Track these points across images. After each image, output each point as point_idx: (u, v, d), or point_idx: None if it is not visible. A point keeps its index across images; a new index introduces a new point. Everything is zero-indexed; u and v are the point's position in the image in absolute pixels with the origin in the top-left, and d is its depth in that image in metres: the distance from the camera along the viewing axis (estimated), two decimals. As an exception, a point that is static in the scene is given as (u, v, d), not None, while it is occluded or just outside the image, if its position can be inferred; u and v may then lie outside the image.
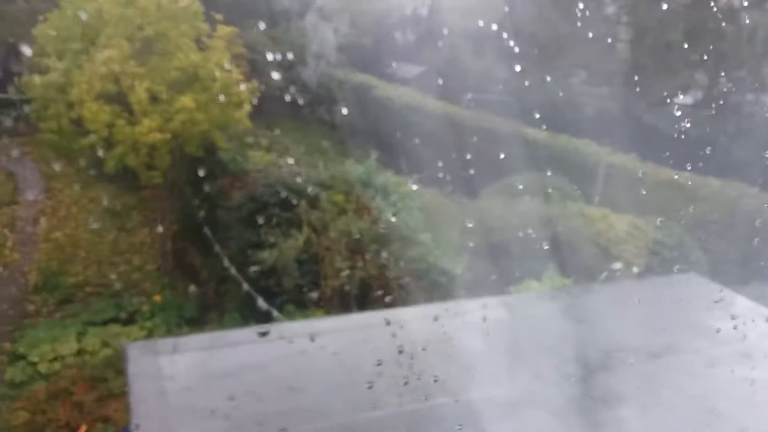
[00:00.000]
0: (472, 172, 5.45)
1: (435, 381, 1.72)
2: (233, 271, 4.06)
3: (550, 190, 5.52)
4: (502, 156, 6.20)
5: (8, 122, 7.09)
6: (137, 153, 4.63)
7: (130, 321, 4.50)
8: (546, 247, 4.63)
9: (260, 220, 4.33)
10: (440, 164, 5.55)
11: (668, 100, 7.60)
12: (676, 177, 5.85)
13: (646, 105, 7.55)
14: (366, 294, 3.93)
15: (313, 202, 4.31)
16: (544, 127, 6.88)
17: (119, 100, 4.77)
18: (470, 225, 4.86)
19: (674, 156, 5.96)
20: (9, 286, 5.12)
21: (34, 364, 4.07)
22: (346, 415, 1.61)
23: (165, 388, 1.56)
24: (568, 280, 4.09)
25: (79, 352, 4.13)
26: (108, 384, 3.64)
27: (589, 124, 7.18)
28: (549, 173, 5.88)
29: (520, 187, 5.60)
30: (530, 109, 7.11)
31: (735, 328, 2.15)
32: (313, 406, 1.62)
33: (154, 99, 4.72)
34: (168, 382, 1.58)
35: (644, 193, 5.86)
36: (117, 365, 3.28)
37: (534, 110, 6.99)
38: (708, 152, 6.44)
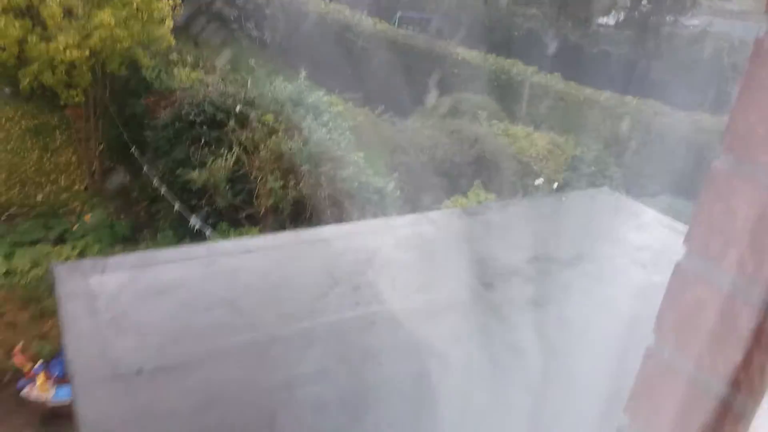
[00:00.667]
0: (404, 92, 5.47)
1: (363, 291, 1.84)
2: (163, 190, 4.02)
3: (478, 110, 5.64)
4: (432, 76, 6.23)
5: None
6: (54, 71, 4.37)
7: (60, 241, 4.40)
8: (473, 165, 4.80)
9: (188, 140, 4.25)
10: (372, 84, 5.53)
11: (592, 20, 7.73)
12: (596, 95, 6.06)
13: (572, 25, 7.65)
14: (299, 213, 4.00)
15: (243, 122, 4.25)
16: (475, 47, 6.91)
17: (30, 14, 4.44)
18: (401, 144, 4.94)
19: (596, 76, 6.16)
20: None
21: (-41, 287, 3.98)
22: (277, 326, 1.71)
23: (96, 307, 1.61)
24: (492, 195, 4.29)
25: (7, 273, 4.05)
26: (41, 303, 3.61)
27: (516, 43, 7.26)
28: (477, 93, 5.98)
29: (450, 107, 5.68)
30: (461, 28, 7.08)
31: (642, 237, 2.35)
32: (245, 319, 1.71)
33: (69, 14, 4.42)
34: (99, 301, 1.62)
35: (565, 111, 6.07)
36: (49, 285, 3.27)
37: (464, 30, 6.98)
38: (628, 72, 6.67)
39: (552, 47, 7.09)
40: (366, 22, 7.77)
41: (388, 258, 2.21)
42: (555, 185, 4.56)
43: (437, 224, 2.60)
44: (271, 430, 1.50)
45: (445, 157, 4.73)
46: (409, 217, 3.00)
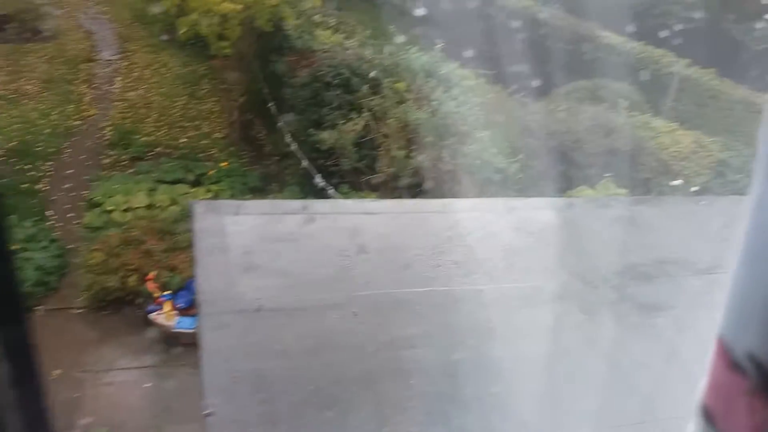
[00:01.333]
0: (540, 72, 5.26)
1: (474, 267, 1.81)
2: (294, 147, 4.18)
3: (618, 99, 5.31)
4: (573, 58, 5.93)
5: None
6: (209, 21, 4.66)
7: (197, 183, 4.73)
8: (605, 156, 4.54)
9: (322, 101, 4.37)
10: (508, 61, 5.36)
11: (759, 15, 6.93)
12: (754, 97, 5.48)
13: (735, 18, 6.93)
14: (418, 183, 4.00)
15: (375, 88, 4.30)
16: (623, 31, 6.47)
17: (193, -33, 4.75)
18: (531, 126, 4.78)
19: (756, 76, 5.56)
20: (86, 139, 5.41)
21: (108, 211, 4.38)
22: (389, 287, 1.73)
23: (227, 244, 1.71)
24: (622, 191, 4.04)
25: (150, 206, 4.41)
26: (175, 237, 3.90)
27: (670, 32, 6.71)
28: (619, 81, 5.62)
29: (588, 92, 5.39)
30: (610, 11, 6.65)
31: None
32: (361, 276, 1.74)
33: (227, -33, 4.68)
34: (230, 239, 1.72)
35: (716, 110, 5.56)
36: (183, 222, 3.52)
37: (614, 13, 6.55)
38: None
39: (710, 40, 6.49)
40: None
41: (503, 238, 2.16)
42: (694, 189, 4.21)
43: (560, 211, 2.49)
44: (374, 383, 1.52)
45: (576, 145, 4.51)
46: (531, 201, 2.90)
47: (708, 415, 0.34)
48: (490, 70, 6.07)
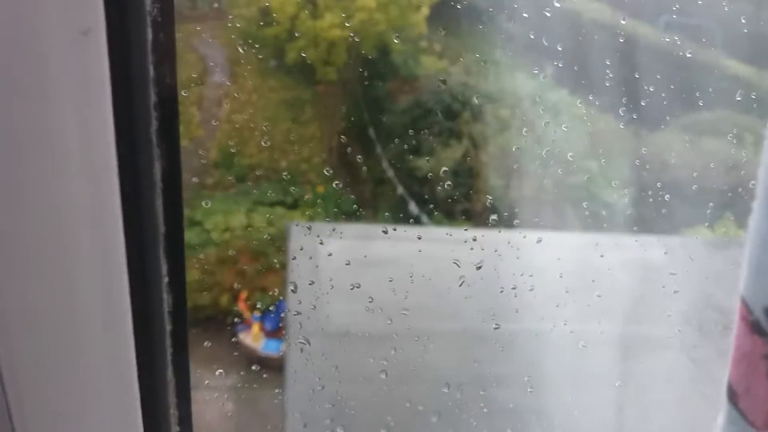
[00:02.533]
0: (657, 103, 4.98)
1: (573, 306, 1.70)
2: (391, 173, 4.19)
3: (744, 133, 4.91)
4: (693, 88, 5.58)
5: (204, 7, 7.70)
6: (317, 47, 4.83)
7: (293, 206, 4.88)
8: (726, 194, 4.19)
9: (422, 128, 4.37)
10: (621, 91, 5.12)
11: None
12: None
13: None
14: (517, 214, 3.87)
15: (477, 114, 4.24)
16: (750, 61, 6.02)
17: (304, -7, 4.96)
18: (644, 158, 4.51)
19: None
20: (193, 159, 5.73)
21: (208, 231, 4.59)
22: (478, 322, 1.65)
23: (320, 266, 1.70)
24: (743, 232, 3.70)
25: (247, 227, 4.59)
26: (268, 258, 4.02)
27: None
28: (744, 113, 5.20)
29: (709, 125, 5.03)
30: (736, 39, 6.22)
31: None
32: (450, 307, 1.68)
33: (336, -5, 4.85)
34: (323, 261, 1.71)
35: None
36: (278, 244, 3.61)
37: (740, 41, 6.11)
38: None
39: None
40: (626, 24, 7.26)
41: (607, 277, 2.02)
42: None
43: (671, 251, 2.31)
44: (454, 419, 1.44)
45: (694, 181, 4.20)
46: (641, 239, 2.72)
47: (731, 393, 0.30)
48: (601, 99, 5.84)
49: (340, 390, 1.46)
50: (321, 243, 1.72)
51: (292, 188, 5.18)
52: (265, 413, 3.09)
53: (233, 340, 3.86)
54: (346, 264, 1.69)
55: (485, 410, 1.47)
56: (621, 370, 1.53)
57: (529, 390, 1.46)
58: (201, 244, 4.55)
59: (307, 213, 4.87)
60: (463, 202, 4.31)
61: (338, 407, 1.46)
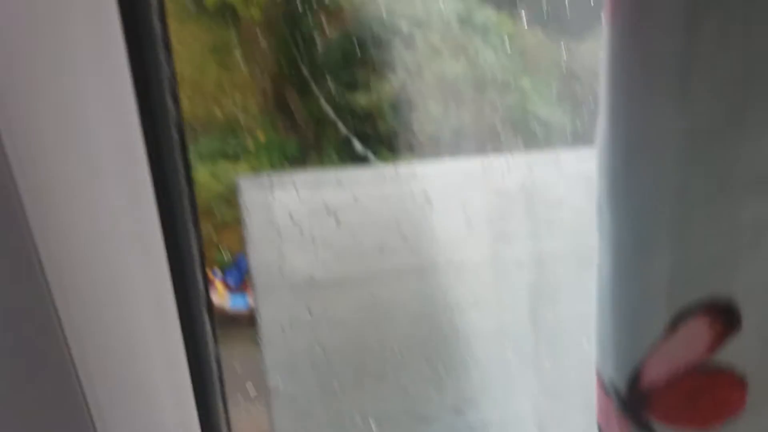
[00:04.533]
0: (580, 11, 5.02)
1: (523, 229, 1.77)
2: (331, 113, 4.12)
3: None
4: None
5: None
6: (235, -12, 4.60)
7: (236, 157, 4.76)
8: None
9: (355, 61, 4.27)
10: (546, 1, 5.12)
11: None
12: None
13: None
14: (459, 142, 3.91)
15: (408, 43, 4.18)
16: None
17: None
18: (574, 71, 4.58)
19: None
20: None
21: (151, 192, 4.46)
22: (437, 254, 1.71)
23: (275, 219, 1.71)
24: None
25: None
26: (220, 215, 3.95)
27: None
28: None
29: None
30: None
31: None
32: (408, 243, 1.73)
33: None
34: (278, 213, 1.72)
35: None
36: (228, 198, 3.55)
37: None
38: None
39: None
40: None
41: (552, 196, 2.10)
42: None
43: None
44: (430, 349, 1.52)
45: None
46: (581, 153, 2.80)
47: (599, 428, 0.43)
48: (527, 13, 5.80)
49: (314, 336, 1.51)
50: (272, 195, 1.73)
51: (231, 139, 5.03)
52: (243, 368, 3.14)
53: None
54: (301, 213, 1.71)
55: (455, 338, 1.55)
56: (578, 282, 1.62)
57: (492, 313, 1.55)
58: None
59: (252, 163, 4.77)
60: (406, 134, 4.30)
61: (315, 355, 1.51)
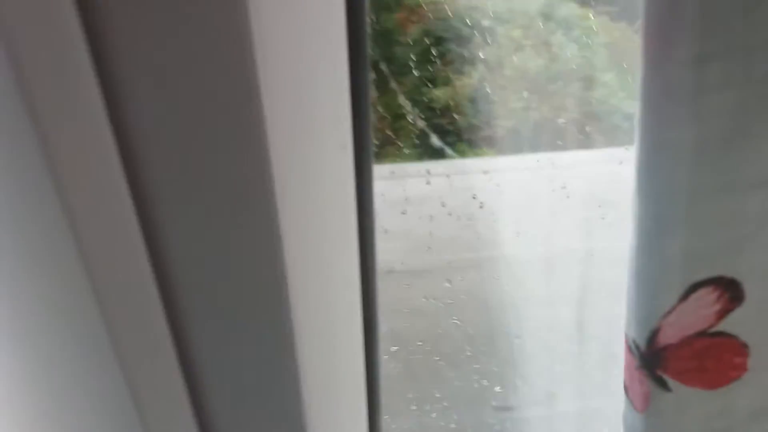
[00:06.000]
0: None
1: (603, 224, 1.73)
2: (408, 107, 4.15)
3: None
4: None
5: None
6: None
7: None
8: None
9: (434, 57, 4.28)
10: (633, -5, 4.92)
11: None
12: None
13: None
14: (538, 136, 3.84)
15: (489, 37, 4.14)
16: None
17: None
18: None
19: None
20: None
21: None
22: (513, 247, 1.71)
23: (354, 209, 1.76)
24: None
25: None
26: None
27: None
28: None
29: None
30: None
31: None
32: (483, 236, 1.73)
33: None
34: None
35: None
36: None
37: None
38: None
39: None
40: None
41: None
42: None
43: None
44: (504, 341, 1.52)
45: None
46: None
47: (625, 387, 0.47)
48: (611, 7, 5.60)
49: (393, 325, 1.55)
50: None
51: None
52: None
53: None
54: (380, 205, 1.74)
55: (529, 329, 1.54)
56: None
57: (568, 306, 1.53)
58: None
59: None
60: (484, 129, 4.27)
61: (392, 340, 1.55)
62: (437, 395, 1.57)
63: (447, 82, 3.70)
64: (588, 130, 3.25)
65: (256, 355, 0.52)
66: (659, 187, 0.43)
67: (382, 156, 4.49)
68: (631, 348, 0.44)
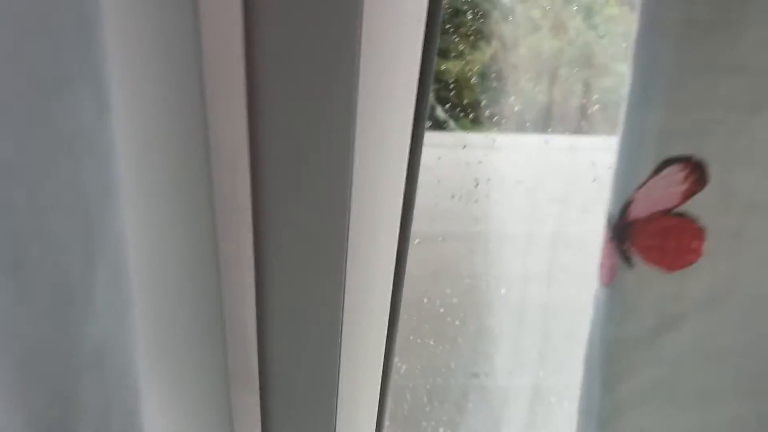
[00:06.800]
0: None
1: (600, 209, 1.74)
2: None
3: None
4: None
5: None
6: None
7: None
8: None
9: (450, 29, 4.22)
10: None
11: None
12: None
13: None
14: (545, 119, 3.82)
15: (507, 14, 4.08)
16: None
17: None
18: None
19: None
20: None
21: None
22: (513, 225, 1.71)
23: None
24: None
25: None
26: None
27: None
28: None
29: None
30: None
31: None
32: (482, 210, 1.74)
33: None
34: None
35: None
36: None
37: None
38: None
39: None
40: None
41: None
42: None
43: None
44: (486, 316, 1.54)
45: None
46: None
47: (600, 265, 0.52)
48: (635, -3, 5.50)
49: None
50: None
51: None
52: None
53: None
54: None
55: (511, 306, 1.56)
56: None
57: (549, 286, 1.54)
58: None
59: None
60: (491, 106, 4.23)
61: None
62: (411, 360, 1.59)
63: (460, 56, 3.65)
64: (592, 116, 3.23)
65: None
66: (647, 61, 0.48)
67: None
68: (608, 223, 0.49)
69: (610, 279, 0.51)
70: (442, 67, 4.18)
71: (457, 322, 1.56)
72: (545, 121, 3.82)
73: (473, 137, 2.63)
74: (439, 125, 3.92)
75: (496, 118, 4.03)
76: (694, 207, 0.49)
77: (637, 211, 0.49)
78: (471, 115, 4.13)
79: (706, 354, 0.51)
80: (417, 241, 1.53)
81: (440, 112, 4.00)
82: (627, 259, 0.50)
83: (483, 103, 4.10)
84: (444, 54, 4.28)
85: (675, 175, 0.48)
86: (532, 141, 2.45)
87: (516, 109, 3.97)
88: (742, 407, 0.52)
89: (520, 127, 3.95)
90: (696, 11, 0.45)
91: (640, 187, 0.48)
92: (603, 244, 0.53)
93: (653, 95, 0.48)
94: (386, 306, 0.73)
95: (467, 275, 1.58)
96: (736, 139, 0.47)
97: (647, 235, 0.49)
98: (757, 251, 0.49)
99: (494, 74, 4.13)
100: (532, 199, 1.61)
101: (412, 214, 0.72)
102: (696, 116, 0.47)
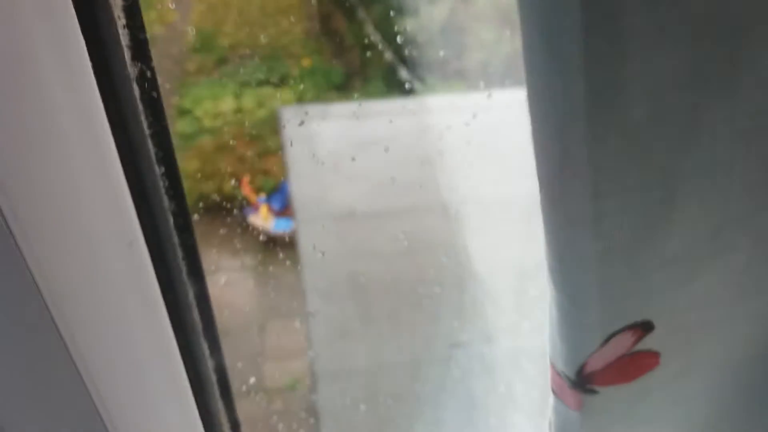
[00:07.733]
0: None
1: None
2: (377, 38, 4.01)
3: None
4: None
5: None
6: None
7: (281, 84, 4.72)
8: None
9: (404, -16, 4.12)
10: None
11: None
12: None
13: None
14: (511, 70, 3.78)
15: (461, -34, 3.98)
16: None
17: None
18: None
19: None
20: (170, 46, 5.49)
21: (199, 118, 4.49)
22: (474, 190, 1.70)
23: (316, 151, 1.72)
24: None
25: (237, 111, 4.48)
26: (265, 142, 4.00)
27: None
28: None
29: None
30: None
31: None
32: (446, 179, 1.72)
33: None
34: (319, 145, 1.73)
35: None
36: (271, 125, 3.58)
37: None
38: None
39: None
40: None
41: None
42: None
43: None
44: (464, 284, 1.54)
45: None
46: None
47: (554, 391, 0.53)
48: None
49: (355, 267, 1.55)
50: (315, 126, 1.73)
51: (277, 65, 4.97)
52: (284, 288, 3.27)
53: (244, 224, 3.95)
54: (342, 145, 1.71)
55: (490, 271, 1.56)
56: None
57: (527, 249, 1.54)
58: (194, 132, 4.45)
59: (296, 89, 4.71)
60: (455, 61, 4.16)
61: (353, 283, 1.55)
62: (394, 333, 1.60)
63: (417, 12, 3.56)
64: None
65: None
66: (570, 274, 0.47)
67: (350, 89, 4.36)
68: (560, 374, 0.51)
69: (580, 406, 0.52)
70: (400, 25, 4.05)
71: (437, 290, 1.56)
72: (512, 74, 3.76)
73: (439, 100, 2.58)
74: (404, 88, 3.83)
75: (461, 73, 3.94)
76: (645, 344, 0.49)
77: (593, 366, 0.49)
78: (435, 72, 4.02)
79: (674, 401, 0.53)
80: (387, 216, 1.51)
81: (403, 73, 3.90)
82: (590, 391, 0.52)
83: (445, 59, 3.99)
84: (400, 11, 4.14)
85: (622, 338, 0.48)
86: (497, 99, 2.40)
87: (481, 62, 3.89)
88: None
89: (488, 82, 3.88)
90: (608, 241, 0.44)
91: (591, 354, 0.49)
92: (558, 386, 0.53)
93: (587, 289, 0.46)
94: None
95: (441, 246, 1.58)
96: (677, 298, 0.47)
97: (607, 375, 0.50)
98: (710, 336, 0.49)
99: (454, 28, 4.02)
100: (512, 162, 1.60)
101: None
102: (634, 283, 0.45)
